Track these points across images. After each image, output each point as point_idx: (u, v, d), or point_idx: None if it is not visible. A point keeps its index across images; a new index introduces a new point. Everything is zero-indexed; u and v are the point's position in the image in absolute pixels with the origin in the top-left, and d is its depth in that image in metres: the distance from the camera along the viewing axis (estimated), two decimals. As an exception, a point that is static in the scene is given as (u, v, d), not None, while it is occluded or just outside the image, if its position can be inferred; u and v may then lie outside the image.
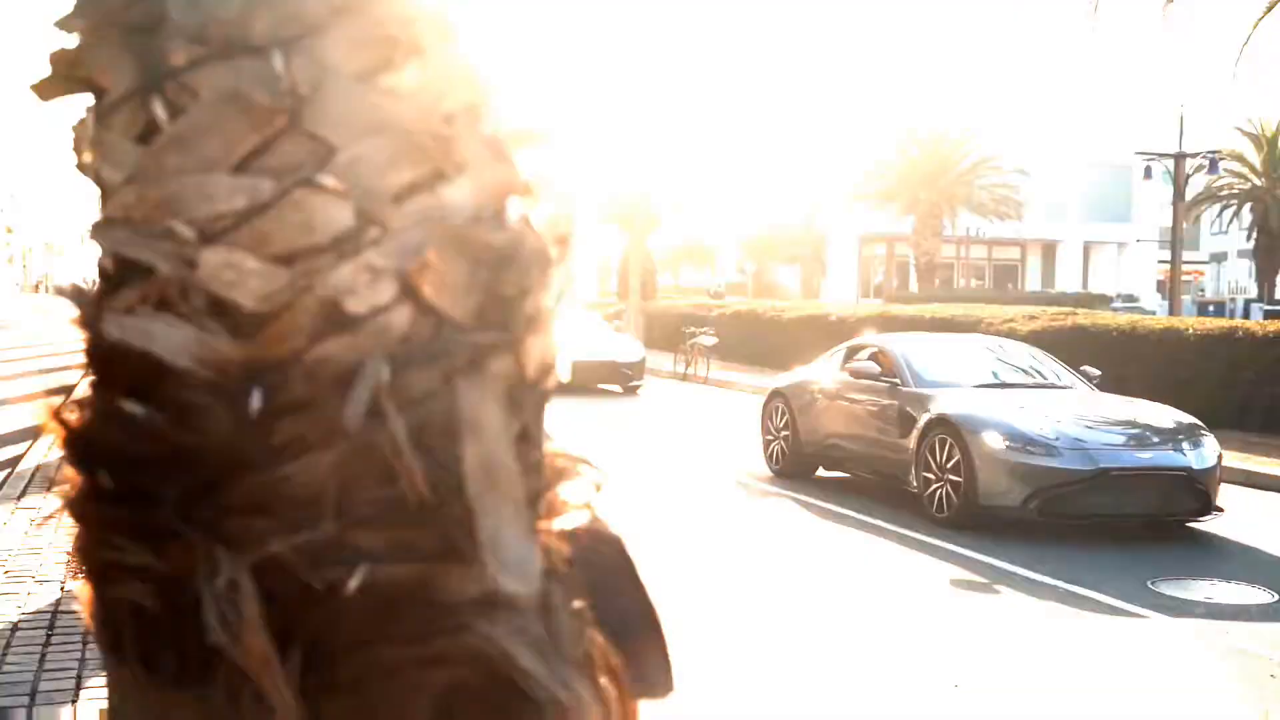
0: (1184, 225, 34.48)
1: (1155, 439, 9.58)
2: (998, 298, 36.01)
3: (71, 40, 0.72)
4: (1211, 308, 44.19)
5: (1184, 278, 41.02)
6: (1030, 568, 7.70)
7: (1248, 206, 44.22)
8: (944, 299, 31.39)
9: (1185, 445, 9.44)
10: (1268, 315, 32.11)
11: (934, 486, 9.44)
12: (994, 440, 9.13)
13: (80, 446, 0.74)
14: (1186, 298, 42.96)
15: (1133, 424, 9.85)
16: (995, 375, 10.90)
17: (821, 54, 54.11)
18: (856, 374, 10.86)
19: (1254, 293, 44.53)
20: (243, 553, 0.69)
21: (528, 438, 0.75)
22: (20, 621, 5.15)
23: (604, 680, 0.78)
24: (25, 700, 4.24)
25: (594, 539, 0.80)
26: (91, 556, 0.76)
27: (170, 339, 0.70)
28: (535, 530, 0.74)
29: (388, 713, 0.72)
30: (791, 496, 10.32)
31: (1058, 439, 9.14)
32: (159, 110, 0.69)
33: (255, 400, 0.69)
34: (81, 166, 0.74)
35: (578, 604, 0.77)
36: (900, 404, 10.19)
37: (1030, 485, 8.94)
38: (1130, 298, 48.83)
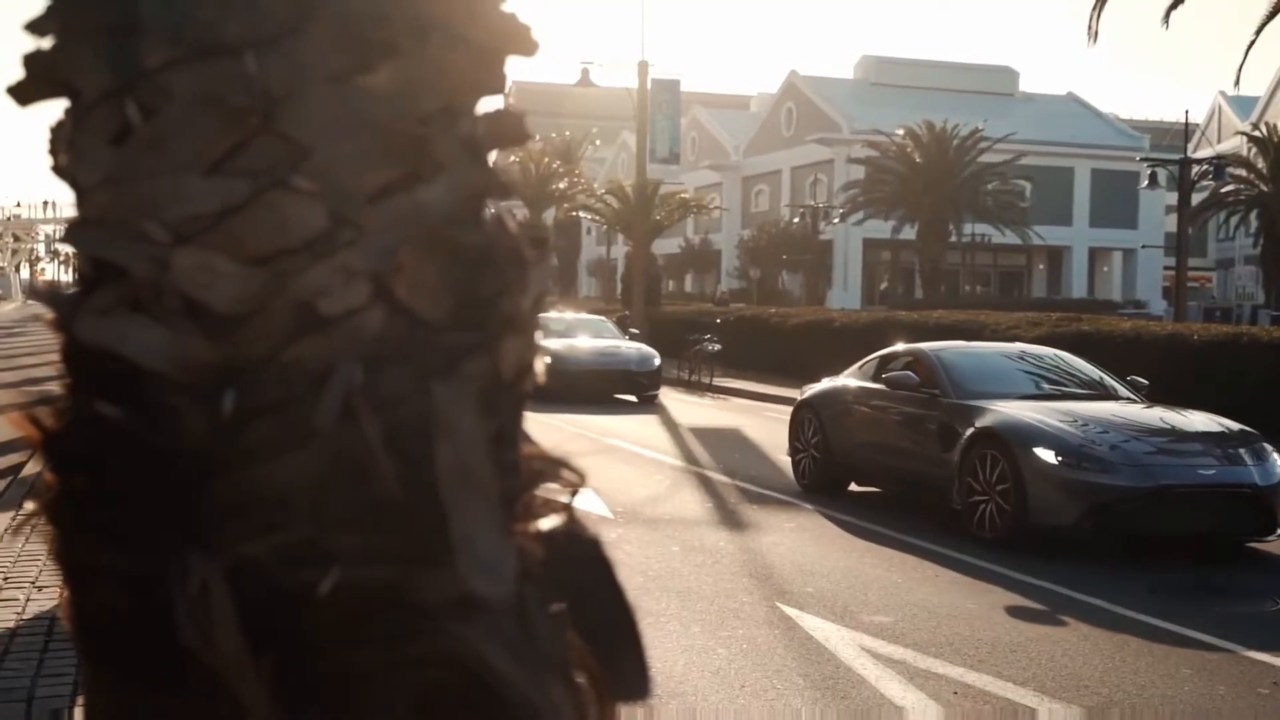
0: (1190, 231, 34.39)
1: (1216, 453, 8.98)
2: (1004, 304, 35.98)
3: (45, 42, 0.72)
4: (1219, 313, 44.11)
5: (1191, 284, 40.81)
6: (1074, 586, 7.41)
7: (1254, 212, 44.01)
8: (950, 305, 31.36)
9: (1248, 459, 8.86)
10: (1275, 321, 32.03)
11: (980, 504, 8.93)
12: (1045, 455, 8.61)
13: (55, 449, 0.74)
14: (1194, 304, 42.80)
15: (1190, 436, 9.24)
16: (1040, 385, 10.38)
17: (824, 54, 54.09)
18: (893, 384, 10.32)
19: (1261, 299, 44.31)
20: (216, 554, 0.69)
21: (504, 439, 0.75)
22: (19, 627, 5.15)
23: (581, 683, 0.77)
24: (23, 706, 4.25)
25: (571, 541, 0.80)
26: (68, 559, 0.76)
27: (143, 341, 0.70)
28: (510, 532, 0.74)
29: (363, 716, 0.72)
30: (824, 513, 9.88)
31: (1113, 453, 8.61)
32: (132, 112, 0.69)
33: (228, 402, 0.69)
34: (57, 169, 0.74)
35: (555, 606, 0.76)
36: (941, 416, 9.70)
37: (1084, 503, 8.42)
38: (1139, 304, 48.82)
